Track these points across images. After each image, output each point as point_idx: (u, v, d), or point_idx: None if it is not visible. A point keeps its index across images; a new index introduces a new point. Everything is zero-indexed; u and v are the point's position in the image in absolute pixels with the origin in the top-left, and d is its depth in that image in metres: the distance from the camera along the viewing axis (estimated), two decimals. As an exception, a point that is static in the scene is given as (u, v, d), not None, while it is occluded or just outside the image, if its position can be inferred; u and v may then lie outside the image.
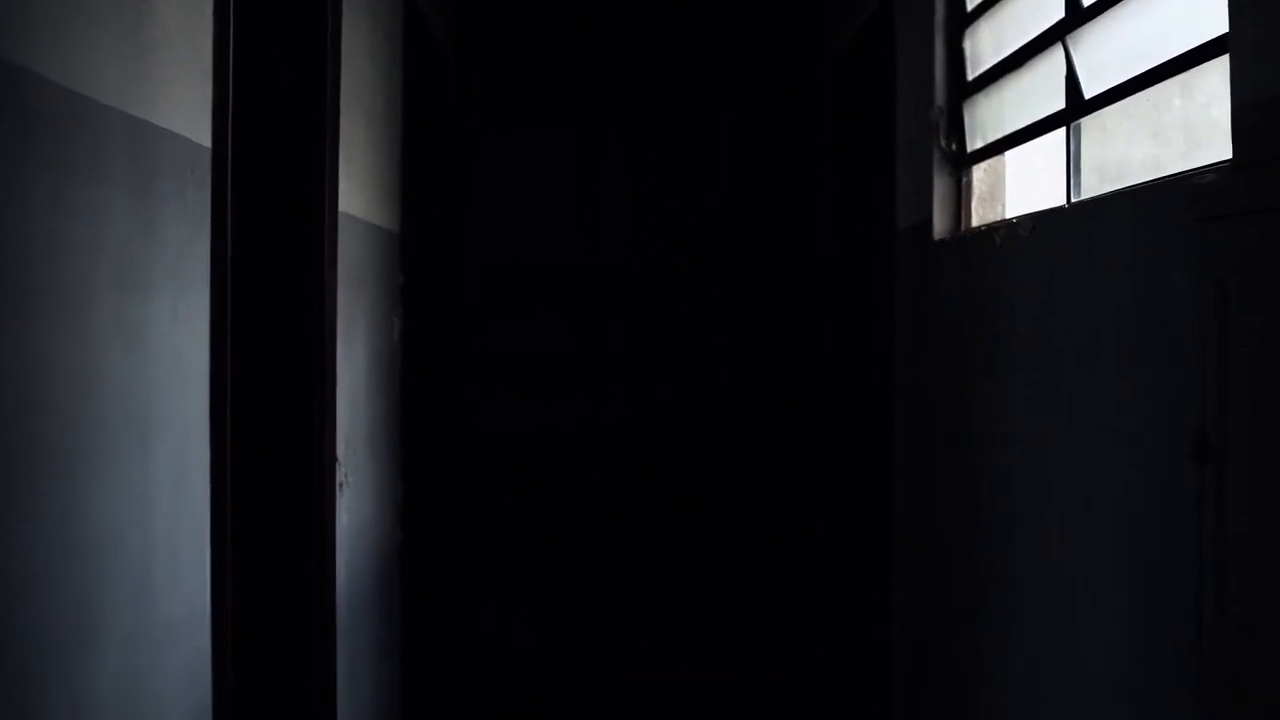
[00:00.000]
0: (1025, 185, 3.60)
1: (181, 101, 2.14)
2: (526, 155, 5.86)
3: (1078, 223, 2.58)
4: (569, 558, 5.88)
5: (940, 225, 3.42)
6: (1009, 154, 3.42)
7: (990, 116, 3.36)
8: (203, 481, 2.21)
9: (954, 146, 3.44)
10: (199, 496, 2.20)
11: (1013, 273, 2.84)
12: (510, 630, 5.68)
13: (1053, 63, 2.94)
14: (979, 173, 3.43)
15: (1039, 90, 3.02)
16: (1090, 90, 2.70)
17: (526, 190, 5.88)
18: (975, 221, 3.40)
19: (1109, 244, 2.40)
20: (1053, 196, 3.72)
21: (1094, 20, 2.56)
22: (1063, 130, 3.21)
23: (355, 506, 3.34)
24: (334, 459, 2.99)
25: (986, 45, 3.36)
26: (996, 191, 3.44)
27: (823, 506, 5.51)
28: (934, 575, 3.49)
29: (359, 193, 3.37)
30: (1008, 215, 3.40)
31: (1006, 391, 2.87)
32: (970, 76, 3.40)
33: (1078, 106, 2.75)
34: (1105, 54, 2.70)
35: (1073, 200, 2.75)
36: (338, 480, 3.09)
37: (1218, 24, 2.02)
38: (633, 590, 5.88)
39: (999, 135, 3.26)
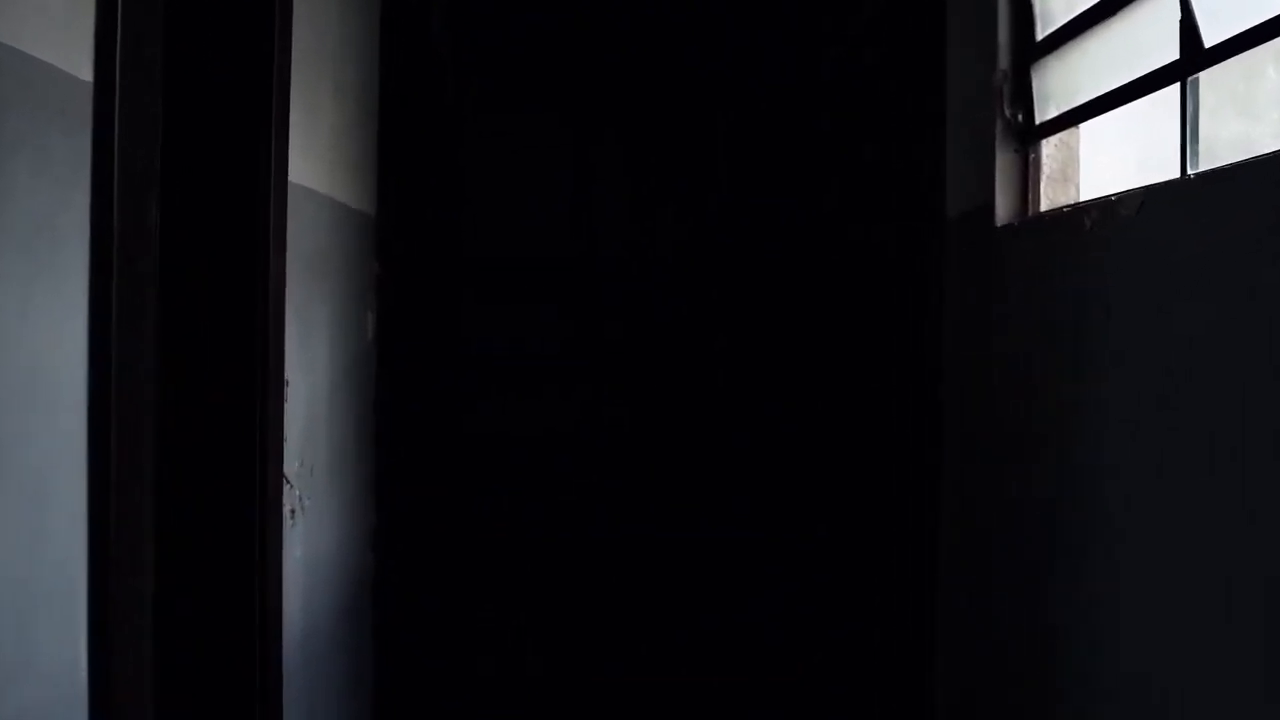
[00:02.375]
0: (1100, 165, 2.99)
1: (46, 17, 1.52)
2: (523, 157, 5.67)
3: (1204, 196, 1.97)
4: (568, 560, 5.61)
5: (1004, 209, 2.80)
6: (1084, 127, 2.81)
7: (1064, 81, 2.74)
8: (74, 528, 1.59)
9: (1019, 118, 2.82)
10: (67, 548, 1.58)
11: (1111, 260, 2.23)
12: (506, 634, 5.26)
13: (1153, 9, 2.33)
14: (1049, 149, 2.81)
15: (1135, 43, 2.41)
16: (1212, 37, 2.10)
17: (523, 188, 5.66)
18: (1045, 205, 2.79)
19: (1254, 221, 1.80)
20: (1130, 177, 3.11)
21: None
22: (1147, 101, 2.63)
23: (313, 535, 2.72)
24: (280, 483, 2.37)
25: (1059, -1, 2.75)
26: (1069, 171, 2.82)
27: (823, 509, 5.09)
28: (988, 607, 2.87)
29: (322, 165, 2.75)
30: (1082, 197, 2.79)
31: (1099, 403, 2.25)
32: (1040, 36, 2.79)
33: (1196, 58, 2.14)
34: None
35: (1191, 171, 2.14)
36: (287, 508, 2.47)
37: None
38: (632, 592, 5.55)
39: (1076, 103, 2.65)
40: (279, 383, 2.34)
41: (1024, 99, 2.82)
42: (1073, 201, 2.78)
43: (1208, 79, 2.48)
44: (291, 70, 2.33)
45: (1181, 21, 2.16)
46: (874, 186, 4.22)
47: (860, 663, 4.43)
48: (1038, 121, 2.79)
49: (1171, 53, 2.27)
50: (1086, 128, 2.82)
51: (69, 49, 1.58)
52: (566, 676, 5.12)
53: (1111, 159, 3.10)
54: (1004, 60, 2.83)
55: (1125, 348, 2.17)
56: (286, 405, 2.46)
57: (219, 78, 2.24)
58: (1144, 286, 2.11)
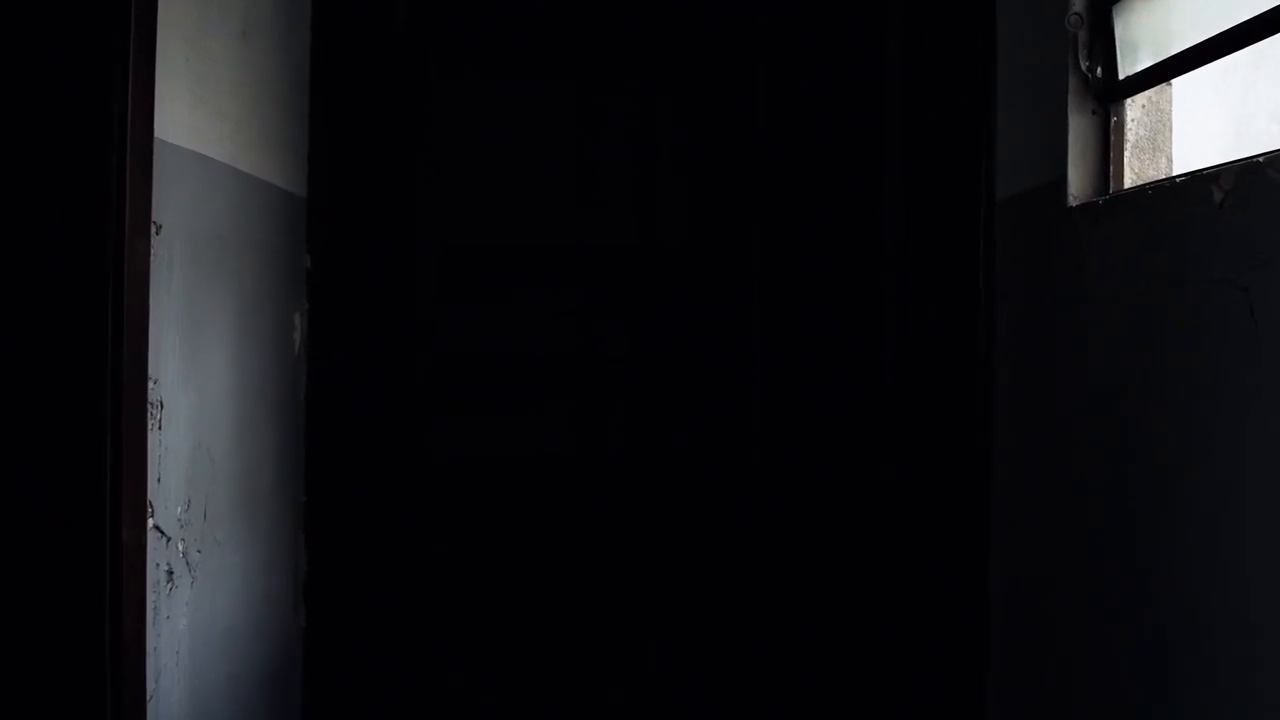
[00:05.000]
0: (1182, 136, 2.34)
1: None
2: (516, 123, 4.72)
3: None
4: (550, 607, 4.75)
5: (1080, 185, 2.16)
6: (1177, 84, 2.17)
7: (1156, 24, 2.11)
8: None
9: (1098, 73, 2.18)
10: None
11: (1255, 244, 1.58)
12: (479, 693, 4.48)
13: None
14: (1134, 111, 2.17)
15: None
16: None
17: (507, 160, 4.74)
18: (1130, 181, 2.15)
19: None
20: (1222, 151, 2.47)
21: None
22: (1243, 60, 2.01)
23: (208, 597, 2.07)
24: (142, 539, 1.71)
25: (1149, -78, 2.11)
26: (1160, 138, 2.18)
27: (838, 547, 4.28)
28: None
29: (221, 126, 2.10)
30: (1176, 170, 2.15)
31: (1237, 437, 1.61)
32: (1123, -31, 2.15)
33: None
34: None
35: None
36: (160, 569, 1.82)
37: None
38: (629, 630, 4.66)
39: (1172, 51, 2.01)
40: (139, 405, 1.68)
41: (1104, 49, 2.18)
42: (1164, 175, 2.14)
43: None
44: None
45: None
46: (893, 170, 3.58)
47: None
48: (1121, 76, 2.15)
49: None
50: (1180, 85, 2.19)
51: None
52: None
53: (1196, 128, 2.46)
54: (1078, 0, 2.19)
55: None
56: (160, 434, 1.81)
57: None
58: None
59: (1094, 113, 2.17)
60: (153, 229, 1.74)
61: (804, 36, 4.73)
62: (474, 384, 4.74)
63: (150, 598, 1.78)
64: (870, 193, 3.86)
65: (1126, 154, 2.16)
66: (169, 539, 1.86)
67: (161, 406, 1.81)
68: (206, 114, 2.00)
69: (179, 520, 1.90)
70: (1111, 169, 2.16)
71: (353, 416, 2.98)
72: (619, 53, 4.85)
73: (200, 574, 2.01)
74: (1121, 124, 2.17)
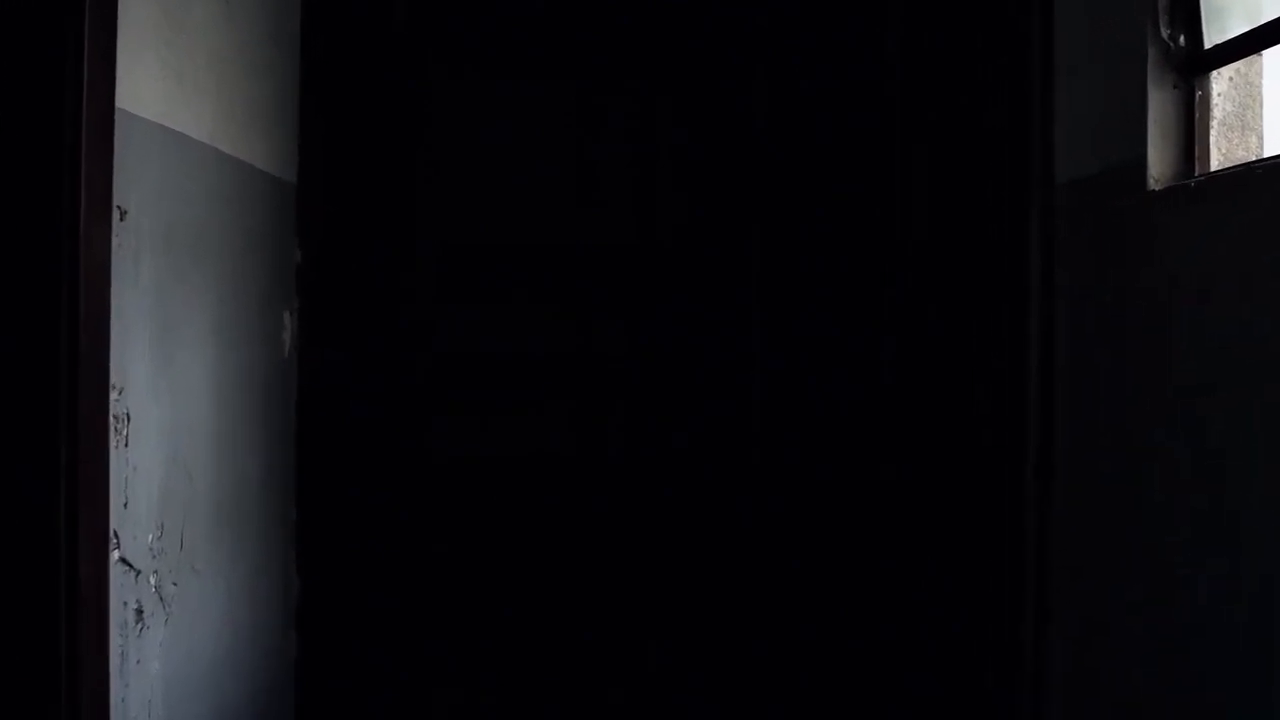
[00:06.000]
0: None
1: None
2: (515, 122, 4.54)
3: None
4: (554, 622, 4.49)
5: (1161, 167, 1.87)
6: (1269, 55, 1.88)
7: (1245, -12, 1.81)
8: None
9: (1181, 42, 1.88)
10: None
11: None
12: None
13: None
14: (1220, 84, 1.88)
15: None
16: None
17: (506, 159, 4.55)
18: (1216, 162, 1.85)
19: None
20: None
21: None
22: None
23: (186, 632, 1.75)
24: (104, 575, 1.40)
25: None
26: (1249, 114, 1.89)
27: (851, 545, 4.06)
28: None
29: (201, 102, 1.79)
30: (1267, 151, 1.85)
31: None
32: (1208, -74, 1.85)
33: None
34: None
35: None
36: (128, 607, 1.50)
37: None
38: (632, 632, 4.51)
39: (1268, 16, 1.72)
40: (99, 419, 1.37)
41: (1186, 15, 1.88)
42: (1255, 155, 1.85)
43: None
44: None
45: None
46: (891, 168, 3.32)
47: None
48: (1207, 46, 1.86)
49: None
50: (1272, 56, 1.90)
51: None
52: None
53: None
54: (1158, -37, 1.89)
55: None
56: (126, 451, 1.49)
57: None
58: None
59: (1175, 87, 1.87)
60: (115, 213, 1.43)
61: (803, 36, 4.44)
62: (473, 384, 4.52)
63: (116, 642, 1.46)
64: (869, 192, 3.61)
65: (1213, 132, 1.86)
66: (138, 572, 1.54)
67: (128, 419, 1.49)
68: (179, 86, 1.68)
69: (150, 549, 1.59)
70: (1197, 149, 1.86)
71: (351, 417, 2.68)
72: (618, 52, 4.64)
73: (176, 608, 1.69)
74: (1207, 99, 1.87)
